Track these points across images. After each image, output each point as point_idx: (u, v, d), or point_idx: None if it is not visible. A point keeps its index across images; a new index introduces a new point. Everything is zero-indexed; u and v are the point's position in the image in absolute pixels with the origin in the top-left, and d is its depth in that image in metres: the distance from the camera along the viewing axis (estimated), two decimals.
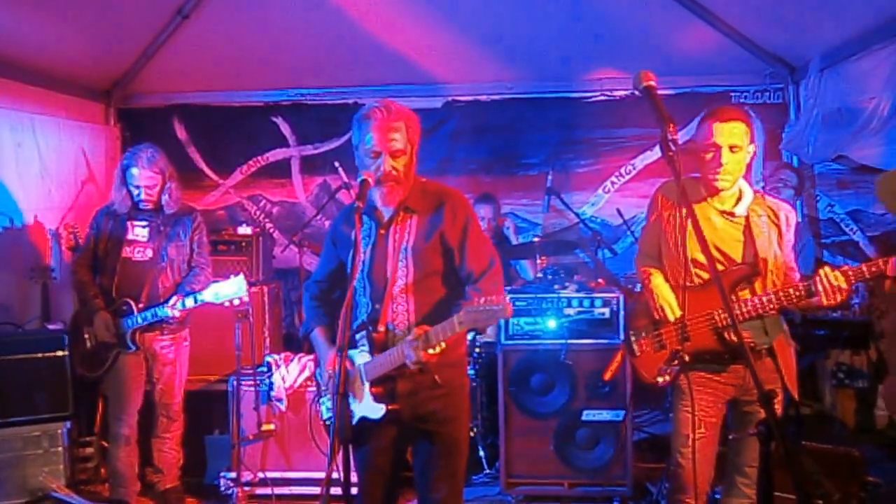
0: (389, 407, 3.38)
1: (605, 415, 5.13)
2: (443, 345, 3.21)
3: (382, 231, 3.42)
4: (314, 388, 3.84)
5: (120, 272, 5.03)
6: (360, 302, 3.46)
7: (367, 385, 3.39)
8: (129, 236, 5.08)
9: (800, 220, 5.51)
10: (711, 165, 3.59)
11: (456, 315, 3.15)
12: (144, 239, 5.09)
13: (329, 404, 3.63)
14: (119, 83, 6.96)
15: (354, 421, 3.42)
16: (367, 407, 3.40)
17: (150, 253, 5.08)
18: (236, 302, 4.83)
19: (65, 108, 6.41)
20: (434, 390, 3.39)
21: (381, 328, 3.38)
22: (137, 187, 5.02)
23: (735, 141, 3.56)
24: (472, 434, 5.51)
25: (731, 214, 3.69)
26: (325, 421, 3.68)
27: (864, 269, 3.37)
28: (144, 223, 5.11)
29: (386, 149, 3.29)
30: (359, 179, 3.28)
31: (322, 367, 3.61)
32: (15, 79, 5.73)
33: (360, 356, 3.40)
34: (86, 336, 5.07)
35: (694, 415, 3.59)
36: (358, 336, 3.44)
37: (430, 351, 3.19)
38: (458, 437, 3.54)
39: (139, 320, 4.94)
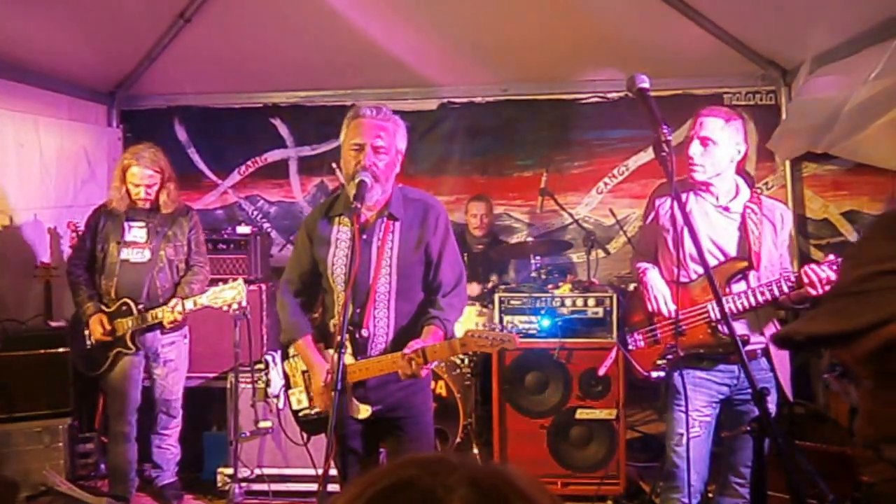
0: (375, 408, 3.48)
1: (599, 413, 5.16)
2: (436, 361, 3.29)
3: (365, 236, 3.43)
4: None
5: (119, 273, 5.06)
6: (339, 303, 3.51)
7: (349, 386, 3.46)
8: (127, 237, 5.10)
9: None
10: (693, 151, 3.68)
11: (459, 338, 3.32)
12: (142, 240, 5.12)
13: (300, 396, 3.70)
14: (122, 85, 7.01)
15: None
16: (353, 407, 3.48)
17: (147, 254, 5.10)
18: (234, 307, 4.86)
19: (68, 109, 6.45)
20: (400, 382, 3.48)
21: (365, 332, 3.45)
22: (137, 186, 5.04)
23: (706, 133, 3.63)
24: (465, 433, 5.57)
25: (727, 209, 3.75)
26: (295, 412, 3.75)
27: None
28: (142, 224, 5.14)
29: (370, 143, 3.35)
30: (356, 180, 3.33)
31: (308, 374, 3.67)
32: (20, 81, 5.78)
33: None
34: (86, 335, 5.11)
35: (688, 414, 3.64)
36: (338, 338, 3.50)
37: (427, 367, 3.33)
38: (425, 424, 3.69)
39: (139, 322, 4.99)
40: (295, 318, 3.68)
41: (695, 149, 3.65)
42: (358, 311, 3.44)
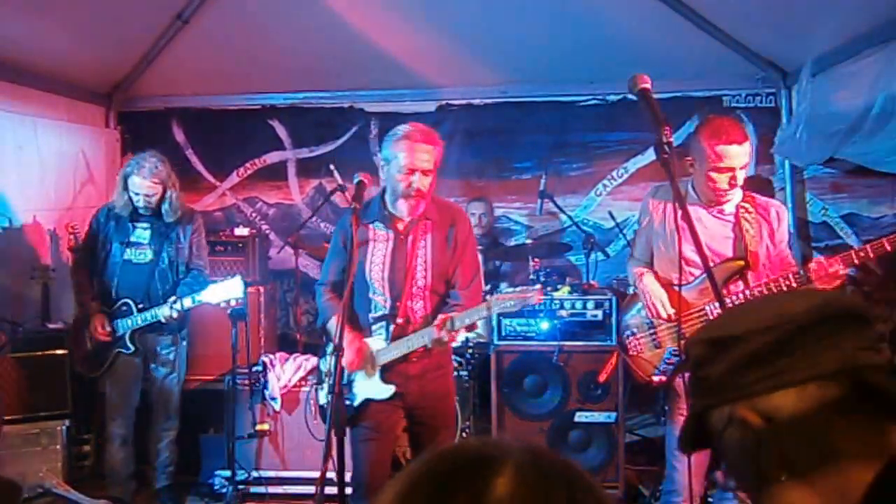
0: (398, 389, 3.74)
1: (598, 417, 5.16)
2: (465, 328, 3.67)
3: (402, 237, 3.74)
4: (314, 379, 4.18)
5: (120, 273, 5.10)
6: (375, 298, 3.80)
7: (378, 368, 3.73)
8: (131, 238, 5.13)
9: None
10: (724, 185, 3.67)
11: (485, 303, 3.62)
12: (145, 241, 5.15)
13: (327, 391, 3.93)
14: (120, 87, 6.98)
15: (357, 402, 3.78)
16: (376, 388, 3.75)
17: (149, 255, 5.14)
18: (233, 303, 4.88)
19: (66, 111, 6.44)
20: (438, 371, 3.83)
21: (401, 321, 3.73)
22: (137, 194, 5.06)
23: (745, 160, 3.66)
24: (463, 436, 5.54)
25: (721, 212, 3.75)
26: (322, 407, 4.09)
27: (853, 254, 3.46)
28: (146, 225, 5.17)
29: (419, 168, 3.59)
30: (355, 181, 3.59)
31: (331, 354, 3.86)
32: (18, 82, 5.76)
33: (375, 342, 3.79)
34: (87, 337, 5.12)
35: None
36: (375, 326, 3.79)
37: (454, 334, 3.61)
38: (451, 413, 4.08)
39: (138, 321, 5.00)
40: (329, 301, 3.97)
41: (741, 177, 3.66)
42: (396, 303, 3.74)
